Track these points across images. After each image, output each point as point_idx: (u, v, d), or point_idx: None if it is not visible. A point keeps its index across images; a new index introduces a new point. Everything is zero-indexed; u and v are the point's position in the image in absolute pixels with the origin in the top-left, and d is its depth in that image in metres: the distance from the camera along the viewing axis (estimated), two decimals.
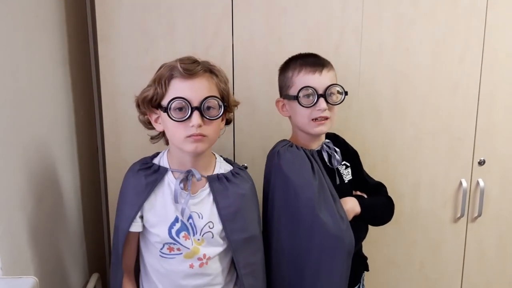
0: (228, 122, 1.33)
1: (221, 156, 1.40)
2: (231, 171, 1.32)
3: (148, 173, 1.28)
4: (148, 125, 1.31)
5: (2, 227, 1.09)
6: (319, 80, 1.35)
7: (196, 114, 1.17)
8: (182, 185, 1.25)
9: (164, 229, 1.26)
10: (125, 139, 1.71)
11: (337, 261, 1.33)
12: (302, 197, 1.33)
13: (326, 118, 1.37)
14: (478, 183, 1.83)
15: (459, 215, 1.85)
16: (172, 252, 1.27)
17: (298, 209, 1.33)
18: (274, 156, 1.41)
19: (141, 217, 1.29)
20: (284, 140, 1.48)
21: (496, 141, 1.82)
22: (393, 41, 1.72)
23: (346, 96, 1.39)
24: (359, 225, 1.43)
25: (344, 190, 1.45)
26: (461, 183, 1.83)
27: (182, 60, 1.20)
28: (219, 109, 1.21)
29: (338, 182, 1.44)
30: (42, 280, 1.05)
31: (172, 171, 1.29)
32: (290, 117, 1.46)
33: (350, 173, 1.51)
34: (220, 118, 1.24)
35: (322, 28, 1.69)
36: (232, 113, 1.34)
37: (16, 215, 1.19)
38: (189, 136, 1.18)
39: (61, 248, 1.52)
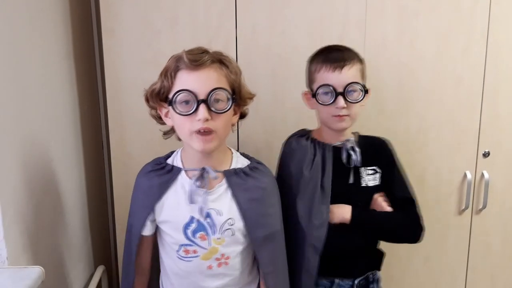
0: (242, 116, 1.26)
1: (237, 151, 1.34)
2: (248, 165, 1.26)
3: (161, 173, 1.23)
4: (159, 120, 1.24)
5: (8, 219, 1.10)
6: (338, 78, 1.32)
7: (202, 107, 1.09)
8: (198, 182, 1.19)
9: (179, 231, 1.21)
10: (130, 132, 1.71)
11: (302, 252, 1.36)
12: (284, 184, 1.38)
13: (346, 115, 1.35)
14: (482, 175, 1.83)
15: (463, 207, 1.84)
16: (189, 255, 1.22)
17: (282, 195, 1.35)
18: (285, 143, 1.49)
19: (153, 220, 1.25)
20: (304, 129, 1.51)
21: (500, 133, 1.81)
22: (397, 33, 1.71)
23: (366, 94, 1.35)
24: (350, 232, 1.40)
25: (360, 192, 1.42)
26: (465, 175, 1.82)
27: (189, 51, 1.14)
28: (228, 101, 1.13)
29: (351, 181, 1.41)
30: (47, 271, 1.05)
31: (185, 171, 1.23)
32: (316, 110, 1.45)
33: (377, 179, 1.45)
34: (231, 112, 1.17)
35: (326, 21, 1.69)
36: (247, 107, 1.26)
37: (22, 207, 1.20)
38: (197, 132, 1.12)
39: (67, 241, 1.53)
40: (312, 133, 1.49)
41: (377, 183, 1.44)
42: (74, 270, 1.58)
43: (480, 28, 1.73)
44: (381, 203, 1.42)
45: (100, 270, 1.75)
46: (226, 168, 1.24)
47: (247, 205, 1.21)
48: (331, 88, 1.32)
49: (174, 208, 1.22)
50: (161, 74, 1.17)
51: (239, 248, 1.25)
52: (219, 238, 1.21)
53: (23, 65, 1.25)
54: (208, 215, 1.20)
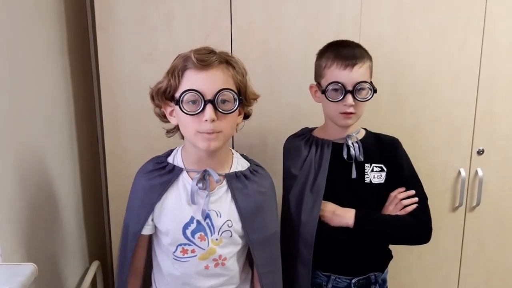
0: (246, 117, 1.26)
1: (233, 149, 1.34)
2: (249, 168, 1.27)
3: (162, 173, 1.23)
4: (164, 118, 1.24)
5: (1, 215, 1.10)
6: (348, 76, 1.33)
7: (209, 107, 1.10)
8: (201, 184, 1.20)
9: (178, 230, 1.21)
10: (125, 127, 1.71)
11: (296, 246, 1.40)
12: (284, 182, 1.47)
13: (353, 113, 1.36)
14: (476, 172, 1.84)
15: (457, 204, 1.86)
16: (186, 255, 1.23)
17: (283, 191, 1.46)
18: (284, 143, 1.53)
19: (153, 219, 1.25)
20: (306, 128, 1.55)
21: (495, 131, 1.82)
22: (393, 30, 1.71)
23: (375, 93, 1.36)
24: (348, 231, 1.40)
25: (363, 188, 1.42)
26: (459, 173, 1.83)
27: (197, 51, 1.13)
28: (234, 102, 1.14)
29: (354, 176, 1.41)
30: (41, 267, 1.06)
31: (187, 171, 1.23)
32: (322, 104, 1.45)
33: (382, 176, 1.44)
34: (237, 112, 1.17)
35: (322, 17, 1.68)
36: (251, 107, 1.26)
37: (16, 204, 1.20)
38: (202, 132, 1.12)
39: (61, 236, 1.53)
40: (314, 131, 1.51)
41: (382, 181, 1.44)
42: (69, 266, 1.59)
43: (475, 26, 1.73)
44: (400, 202, 1.41)
45: (95, 265, 1.76)
46: (227, 169, 1.24)
47: (246, 209, 1.22)
48: (341, 85, 1.33)
49: (175, 208, 1.22)
50: (167, 73, 1.17)
51: (235, 249, 1.26)
52: (217, 239, 1.22)
53: (17, 61, 1.24)
54: (207, 216, 1.21)
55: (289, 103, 1.74)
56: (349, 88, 1.33)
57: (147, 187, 1.23)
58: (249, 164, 1.29)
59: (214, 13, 1.65)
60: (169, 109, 1.21)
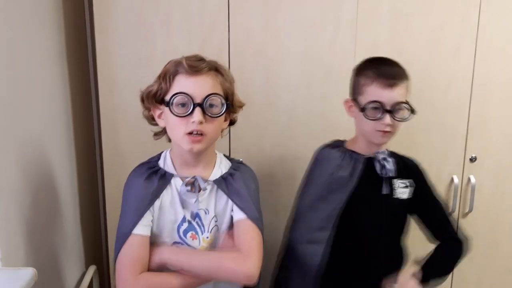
0: (231, 123, 1.32)
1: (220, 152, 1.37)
2: (231, 167, 1.32)
3: (154, 177, 1.26)
4: (152, 120, 1.29)
5: (2, 220, 1.10)
6: (389, 95, 1.34)
7: (198, 110, 1.16)
8: (189, 187, 1.24)
9: (173, 230, 1.25)
10: (122, 131, 1.72)
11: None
12: (306, 189, 1.48)
13: (389, 131, 1.37)
14: (469, 179, 1.86)
15: (450, 210, 1.88)
16: None
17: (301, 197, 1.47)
18: (317, 152, 1.52)
19: (149, 221, 1.25)
20: (338, 140, 1.54)
21: (487, 138, 1.85)
22: (388, 36, 1.74)
23: (413, 114, 1.37)
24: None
25: (392, 203, 1.44)
26: (452, 180, 1.86)
27: (188, 57, 1.19)
28: (222, 107, 1.20)
29: (385, 191, 1.43)
30: (39, 271, 1.06)
31: (178, 176, 1.27)
32: (355, 118, 1.46)
33: (407, 193, 1.46)
34: (223, 118, 1.23)
35: (317, 24, 1.71)
36: (236, 114, 1.32)
37: (14, 208, 1.20)
38: (189, 134, 1.17)
39: (58, 241, 1.53)
40: (346, 143, 1.51)
41: (408, 197, 1.46)
42: (66, 270, 1.59)
43: (469, 32, 1.76)
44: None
45: (91, 270, 1.76)
46: (211, 169, 1.29)
47: (229, 195, 1.26)
48: (381, 105, 1.34)
49: (170, 208, 1.25)
50: (159, 77, 1.22)
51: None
52: (208, 237, 1.26)
53: (16, 63, 1.24)
54: (197, 216, 1.25)
55: (285, 108, 1.76)
56: (388, 107, 1.33)
57: (143, 190, 1.25)
58: (230, 164, 1.34)
59: (212, 19, 1.67)
60: (157, 112, 1.25)
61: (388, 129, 1.35)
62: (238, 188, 1.27)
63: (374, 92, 1.35)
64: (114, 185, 1.73)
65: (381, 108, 1.34)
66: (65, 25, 1.64)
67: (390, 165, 1.43)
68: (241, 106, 1.30)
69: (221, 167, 1.31)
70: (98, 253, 2.01)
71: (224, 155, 1.38)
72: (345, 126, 1.75)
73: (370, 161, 1.44)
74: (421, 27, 1.74)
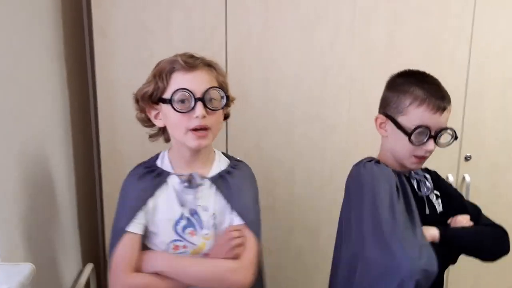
0: (226, 117, 1.33)
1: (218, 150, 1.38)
2: (229, 164, 1.32)
3: (152, 176, 1.27)
4: (147, 122, 1.28)
5: (2, 217, 1.11)
6: (437, 120, 1.21)
7: (199, 105, 1.16)
8: (186, 184, 1.25)
9: (170, 227, 1.25)
10: (120, 132, 1.73)
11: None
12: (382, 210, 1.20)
13: (426, 157, 1.26)
14: (464, 178, 1.88)
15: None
16: (178, 251, 1.26)
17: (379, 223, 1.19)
18: (363, 167, 1.30)
19: (144, 221, 1.26)
20: (371, 157, 1.35)
21: (482, 137, 1.86)
22: (386, 38, 1.76)
23: (455, 140, 1.27)
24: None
25: (435, 222, 1.27)
26: (447, 178, 1.87)
27: (182, 55, 1.21)
28: (221, 100, 1.21)
29: (428, 212, 1.29)
30: (37, 269, 1.07)
31: (175, 174, 1.27)
32: (386, 137, 1.31)
33: (441, 204, 1.35)
34: (222, 110, 1.24)
35: (316, 25, 1.72)
36: (230, 108, 1.32)
37: (15, 206, 1.21)
38: (193, 130, 1.18)
39: (56, 239, 1.54)
40: (380, 161, 1.34)
41: (442, 210, 1.34)
42: (63, 268, 1.59)
43: (463, 34, 1.79)
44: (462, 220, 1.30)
45: (88, 268, 1.76)
46: (209, 167, 1.29)
47: (228, 195, 1.26)
48: (427, 129, 1.22)
49: (166, 207, 1.26)
50: (154, 76, 1.21)
51: None
52: (207, 234, 1.26)
53: (14, 65, 1.25)
54: (195, 212, 1.25)
55: (284, 109, 1.77)
56: (433, 133, 1.22)
57: (139, 189, 1.26)
58: (229, 161, 1.34)
59: (211, 21, 1.69)
60: (153, 112, 1.25)
61: (427, 155, 1.25)
62: (237, 188, 1.27)
63: (423, 116, 1.21)
64: (111, 184, 1.74)
65: (426, 133, 1.22)
66: (64, 26, 1.65)
67: (429, 181, 1.32)
68: (232, 100, 1.31)
69: (220, 164, 1.31)
70: (95, 252, 2.01)
71: (223, 152, 1.38)
72: (343, 128, 1.78)
73: (407, 179, 1.31)
74: (416, 30, 1.76)
